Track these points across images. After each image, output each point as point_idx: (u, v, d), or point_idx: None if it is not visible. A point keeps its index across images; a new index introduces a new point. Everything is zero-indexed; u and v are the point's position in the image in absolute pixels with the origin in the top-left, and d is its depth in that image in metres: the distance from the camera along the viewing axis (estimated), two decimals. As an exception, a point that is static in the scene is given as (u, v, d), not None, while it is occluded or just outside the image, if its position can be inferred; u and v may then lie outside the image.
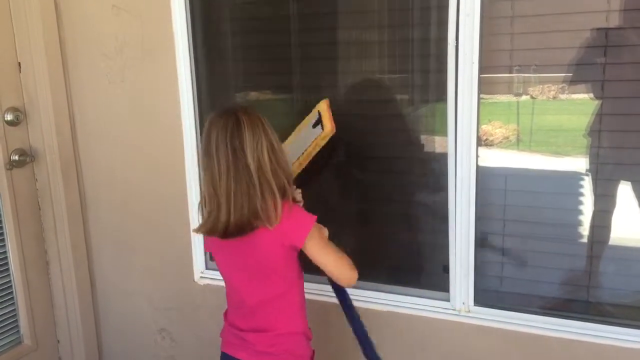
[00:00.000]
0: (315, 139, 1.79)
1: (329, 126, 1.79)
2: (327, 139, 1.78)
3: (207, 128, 1.47)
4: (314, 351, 1.61)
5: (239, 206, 1.41)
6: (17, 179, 2.24)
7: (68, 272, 2.39)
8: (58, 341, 2.49)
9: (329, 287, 1.71)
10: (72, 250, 2.37)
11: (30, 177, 2.30)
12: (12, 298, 2.32)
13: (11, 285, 2.31)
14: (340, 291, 1.64)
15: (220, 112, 1.47)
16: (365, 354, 1.60)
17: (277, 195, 1.42)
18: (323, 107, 1.84)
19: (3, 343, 2.30)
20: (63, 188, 2.31)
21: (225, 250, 1.53)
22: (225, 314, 1.63)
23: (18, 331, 2.35)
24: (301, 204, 1.64)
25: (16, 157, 2.22)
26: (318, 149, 1.79)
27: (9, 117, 2.19)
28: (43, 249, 2.39)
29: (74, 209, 2.37)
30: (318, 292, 1.95)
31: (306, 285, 1.61)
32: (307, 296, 1.62)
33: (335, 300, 1.67)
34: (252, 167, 1.41)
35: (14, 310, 2.33)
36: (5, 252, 2.27)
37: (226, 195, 1.41)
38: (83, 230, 2.42)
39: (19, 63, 2.23)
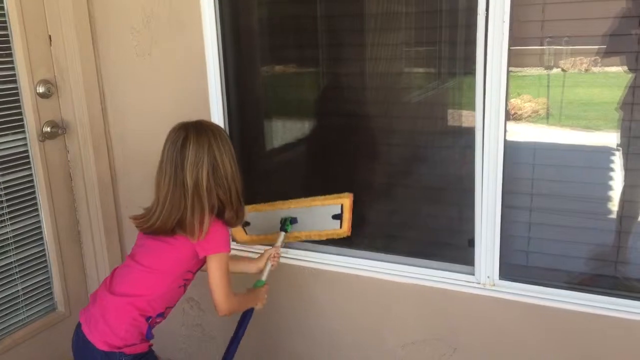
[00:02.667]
0: (330, 231, 2.03)
1: (346, 228, 2.01)
2: (340, 236, 2.03)
3: (165, 140, 1.63)
4: (144, 345, 1.67)
5: (168, 214, 1.58)
6: (49, 151, 2.30)
7: (99, 241, 2.45)
8: (90, 308, 2.56)
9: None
10: (103, 220, 2.43)
11: (62, 148, 2.36)
12: (46, 266, 2.39)
13: (45, 254, 2.38)
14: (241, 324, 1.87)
15: (176, 127, 1.63)
16: None
17: (206, 213, 1.57)
18: (346, 204, 2.00)
19: (38, 309, 2.38)
20: (94, 159, 2.36)
21: (143, 241, 1.69)
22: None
23: (52, 298, 2.43)
24: (274, 268, 1.92)
25: (48, 129, 2.27)
26: (324, 238, 2.06)
27: (40, 89, 2.23)
28: (75, 218, 2.45)
29: (104, 179, 2.42)
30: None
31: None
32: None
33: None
34: (189, 184, 1.56)
35: (48, 278, 2.41)
36: (39, 222, 2.33)
37: (162, 203, 1.59)
38: (113, 201, 2.48)
39: (50, 36, 2.26)
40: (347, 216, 2.00)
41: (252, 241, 2.19)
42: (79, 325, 1.67)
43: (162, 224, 1.59)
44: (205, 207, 1.57)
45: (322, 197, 2.03)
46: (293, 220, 2.04)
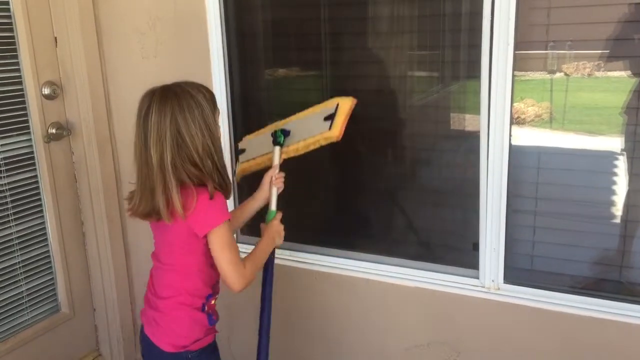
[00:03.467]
0: (318, 135, 1.73)
1: (337, 131, 1.70)
2: (328, 141, 1.72)
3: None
4: (210, 336, 1.61)
5: (142, 198, 1.45)
6: (54, 152, 2.30)
7: (104, 243, 2.46)
8: (94, 309, 2.57)
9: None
10: (107, 222, 2.43)
11: (67, 150, 2.36)
12: (51, 267, 2.40)
13: (49, 255, 2.38)
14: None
15: (144, 94, 1.46)
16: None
17: (175, 193, 1.39)
18: (344, 107, 1.73)
19: (42, 311, 2.38)
20: (98, 161, 2.37)
21: (154, 224, 1.56)
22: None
23: (56, 299, 2.44)
24: (279, 190, 1.70)
25: (53, 130, 2.27)
26: (317, 146, 1.74)
27: (46, 90, 2.24)
28: (80, 220, 2.45)
29: (109, 181, 2.42)
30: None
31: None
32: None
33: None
34: (154, 163, 1.40)
35: (52, 279, 2.41)
36: (43, 223, 2.34)
37: (138, 184, 1.46)
38: (118, 202, 2.48)
39: (55, 38, 2.27)
40: (340, 119, 1.69)
41: (248, 168, 1.91)
42: (142, 327, 1.63)
43: (140, 207, 1.46)
44: (171, 187, 1.39)
45: (322, 103, 1.78)
46: (285, 132, 1.77)
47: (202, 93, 1.46)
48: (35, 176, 2.28)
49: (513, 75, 1.73)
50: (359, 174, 2.12)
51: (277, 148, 1.75)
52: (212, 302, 1.59)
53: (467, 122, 1.92)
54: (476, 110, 1.80)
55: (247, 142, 1.93)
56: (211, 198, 1.44)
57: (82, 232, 2.47)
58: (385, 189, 2.12)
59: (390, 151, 2.07)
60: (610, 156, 1.77)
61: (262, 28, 2.25)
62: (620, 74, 1.71)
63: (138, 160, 1.44)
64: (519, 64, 1.75)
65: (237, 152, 1.96)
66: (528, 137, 1.83)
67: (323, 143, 1.72)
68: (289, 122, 1.81)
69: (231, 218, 1.52)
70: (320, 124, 1.73)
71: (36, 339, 2.33)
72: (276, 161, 1.74)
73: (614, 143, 1.74)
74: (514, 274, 1.87)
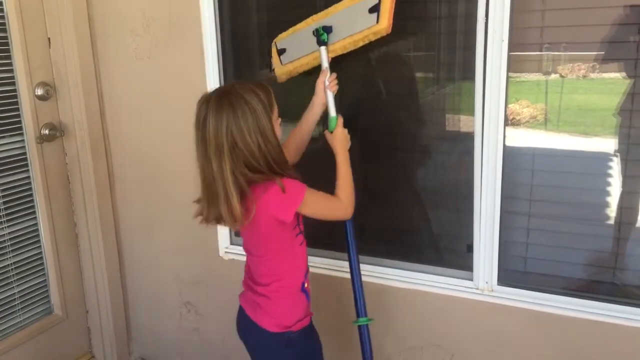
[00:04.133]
0: (365, 31, 1.62)
1: (385, 22, 1.59)
2: (378, 36, 1.63)
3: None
4: (308, 318, 1.66)
5: (208, 205, 1.47)
6: (47, 153, 2.29)
7: (97, 244, 2.45)
8: (87, 311, 2.56)
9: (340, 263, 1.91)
10: (100, 223, 2.42)
11: (60, 151, 2.35)
12: (43, 269, 2.39)
13: (42, 257, 2.38)
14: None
15: (200, 100, 1.46)
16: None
17: (235, 201, 1.40)
18: None
19: (34, 312, 2.38)
20: (92, 162, 2.36)
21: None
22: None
23: (49, 301, 2.43)
24: (334, 92, 1.66)
25: (46, 132, 2.26)
26: (366, 42, 1.65)
27: (39, 91, 2.23)
28: (72, 221, 2.44)
29: (102, 183, 2.42)
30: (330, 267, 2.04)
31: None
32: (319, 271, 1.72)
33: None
34: (215, 171, 1.41)
35: (45, 281, 2.40)
36: (36, 224, 2.33)
37: (202, 191, 1.48)
38: (111, 204, 2.47)
39: (49, 39, 2.26)
40: (386, 7, 1.58)
41: (293, 70, 1.84)
42: (241, 309, 1.67)
43: (212, 214, 1.47)
44: (231, 195, 1.41)
45: None
46: (327, 29, 1.67)
47: (258, 96, 1.44)
48: (28, 177, 2.28)
49: (508, 77, 1.73)
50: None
51: (323, 48, 1.67)
52: (307, 280, 1.64)
53: (462, 123, 1.92)
54: (471, 111, 1.80)
55: (285, 40, 1.82)
56: (283, 191, 1.45)
57: (75, 233, 2.46)
58: (378, 190, 2.11)
59: (384, 152, 2.07)
60: (604, 158, 1.77)
61: (257, 30, 2.24)
62: (615, 76, 1.71)
63: (200, 167, 1.46)
64: (514, 65, 1.75)
65: (278, 52, 1.87)
66: (523, 138, 1.83)
67: (372, 38, 1.64)
68: (327, 17, 1.70)
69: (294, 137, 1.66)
70: (365, 17, 1.63)
71: (29, 341, 2.32)
72: (325, 63, 1.67)
73: (608, 145, 1.74)
74: (508, 275, 1.87)
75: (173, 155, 2.32)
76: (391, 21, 1.61)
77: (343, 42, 1.68)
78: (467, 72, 1.80)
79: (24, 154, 2.25)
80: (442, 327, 1.97)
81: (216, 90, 1.49)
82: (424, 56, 1.98)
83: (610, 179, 1.76)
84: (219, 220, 1.48)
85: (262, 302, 1.60)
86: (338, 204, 1.58)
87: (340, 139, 1.65)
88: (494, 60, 1.71)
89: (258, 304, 1.61)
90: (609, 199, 1.77)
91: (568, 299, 1.78)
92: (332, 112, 1.65)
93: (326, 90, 1.66)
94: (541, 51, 1.75)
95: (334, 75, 1.68)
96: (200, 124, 1.43)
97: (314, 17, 1.76)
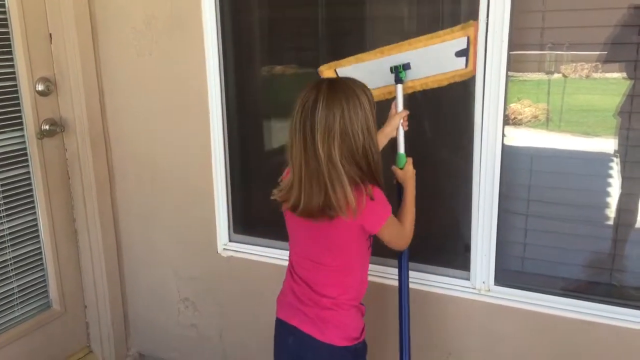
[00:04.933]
0: (452, 72, 1.67)
1: (472, 66, 1.65)
2: (464, 78, 1.69)
3: (297, 99, 1.43)
4: (364, 326, 1.62)
5: (309, 194, 1.40)
6: (47, 149, 2.30)
7: (96, 240, 2.45)
8: (85, 306, 2.56)
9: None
10: (99, 219, 2.43)
11: (60, 146, 2.36)
12: (42, 264, 2.39)
13: (41, 252, 2.38)
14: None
15: (308, 85, 1.42)
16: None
17: (349, 190, 1.38)
18: (472, 34, 1.64)
19: (33, 307, 2.38)
20: (92, 158, 2.36)
21: (297, 223, 1.53)
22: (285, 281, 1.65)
23: (47, 296, 2.43)
24: (406, 129, 1.69)
25: (47, 127, 2.27)
26: (450, 82, 1.70)
27: (40, 87, 2.23)
28: (72, 217, 2.45)
29: (102, 179, 2.42)
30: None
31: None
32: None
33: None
34: (322, 158, 1.36)
35: (44, 275, 2.41)
36: (35, 219, 2.33)
37: (299, 178, 1.41)
38: (110, 200, 2.48)
39: (50, 34, 2.26)
40: (473, 50, 1.63)
41: None
42: (294, 328, 1.56)
43: (307, 203, 1.41)
44: (345, 182, 1.37)
45: (442, 32, 1.67)
46: (406, 66, 1.67)
47: (366, 95, 1.44)
48: (28, 172, 2.28)
49: (507, 76, 1.73)
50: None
51: (400, 87, 1.68)
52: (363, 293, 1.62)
53: (462, 122, 1.91)
54: (471, 110, 1.80)
55: (348, 70, 1.82)
56: (372, 198, 1.44)
57: (74, 228, 2.46)
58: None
59: (382, 150, 2.07)
60: (604, 158, 1.76)
61: (258, 26, 2.24)
62: (617, 76, 1.71)
63: (300, 154, 1.40)
64: (516, 65, 1.75)
65: None
66: (524, 138, 1.83)
67: (458, 80, 1.69)
68: (406, 51, 1.71)
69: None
70: (452, 60, 1.67)
71: (27, 336, 2.33)
72: (401, 102, 1.69)
73: (609, 145, 1.74)
74: (505, 276, 1.87)
75: (173, 151, 2.32)
76: (476, 63, 1.67)
77: (425, 80, 1.71)
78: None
79: (24, 149, 2.25)
80: (439, 326, 1.97)
81: (325, 78, 1.45)
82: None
83: (609, 180, 1.76)
84: (320, 210, 1.41)
85: (328, 315, 1.52)
86: (404, 232, 1.60)
87: (411, 176, 1.67)
88: (494, 59, 1.71)
89: (322, 318, 1.52)
90: (607, 200, 1.76)
91: (565, 300, 1.78)
92: (402, 149, 1.69)
93: (400, 127, 1.70)
94: (544, 50, 1.75)
95: (407, 113, 1.71)
96: (309, 108, 1.38)
97: (384, 49, 1.75)
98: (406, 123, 1.72)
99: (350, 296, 1.54)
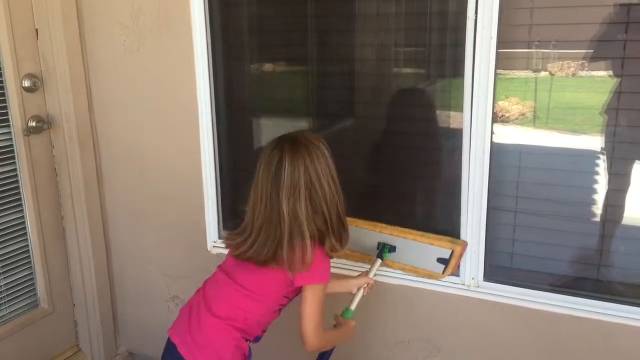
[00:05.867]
0: (427, 271, 1.86)
1: (448, 274, 1.84)
2: (433, 279, 1.87)
3: (260, 156, 1.48)
4: None
5: (261, 247, 1.45)
6: (34, 145, 2.27)
7: (84, 238, 2.43)
8: (74, 305, 2.54)
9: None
10: (87, 216, 2.41)
11: (47, 143, 2.33)
12: (30, 262, 2.37)
13: (28, 250, 2.36)
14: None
15: (271, 144, 1.48)
16: None
17: (308, 245, 1.43)
18: (458, 252, 1.82)
19: (20, 306, 2.36)
20: (79, 155, 2.34)
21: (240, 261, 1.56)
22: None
23: (35, 294, 2.41)
24: (364, 295, 1.75)
25: (33, 124, 2.24)
26: (421, 276, 1.89)
27: (26, 83, 2.21)
28: (60, 214, 2.43)
29: (90, 176, 2.40)
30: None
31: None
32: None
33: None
34: (285, 214, 1.42)
35: (31, 274, 2.38)
36: (22, 217, 2.31)
37: (257, 232, 1.46)
38: (99, 197, 2.46)
39: (37, 30, 2.24)
40: (453, 263, 1.82)
41: (343, 255, 1.94)
42: (173, 346, 1.57)
43: (255, 254, 1.47)
44: (306, 237, 1.43)
45: (434, 235, 1.85)
46: (392, 249, 1.86)
47: (322, 143, 1.49)
48: (15, 169, 2.25)
49: (496, 74, 1.74)
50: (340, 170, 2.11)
51: (379, 261, 1.83)
52: (254, 343, 1.60)
53: (451, 119, 1.92)
54: (460, 108, 1.81)
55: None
56: (327, 255, 1.50)
57: (62, 226, 2.44)
58: (367, 185, 2.12)
59: (372, 147, 2.07)
60: (591, 155, 1.78)
61: (247, 23, 2.23)
62: (604, 74, 1.72)
63: (264, 210, 1.45)
64: (504, 62, 1.76)
65: None
66: (512, 135, 1.84)
67: (427, 278, 1.89)
68: (395, 237, 1.87)
69: None
70: (432, 263, 1.84)
71: (15, 334, 2.31)
72: (373, 272, 1.81)
73: (596, 142, 1.76)
74: (494, 271, 1.88)
75: (162, 148, 2.31)
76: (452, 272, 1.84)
77: (404, 266, 1.90)
78: (456, 69, 1.80)
79: (11, 146, 2.23)
80: (428, 322, 1.98)
81: (287, 136, 1.51)
82: (413, 52, 1.99)
83: (596, 177, 1.78)
84: (264, 261, 1.46)
85: (201, 339, 1.52)
86: (321, 330, 1.53)
87: (347, 330, 1.69)
88: (482, 57, 1.72)
89: (196, 342, 1.52)
90: (594, 196, 1.78)
91: (553, 295, 1.79)
92: (353, 306, 1.75)
93: (361, 289, 1.77)
94: (530, 48, 1.76)
95: (374, 283, 1.80)
96: (274, 166, 1.44)
97: (377, 225, 1.90)
98: (368, 291, 1.78)
99: (238, 325, 1.52)
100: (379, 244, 1.88)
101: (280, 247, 1.44)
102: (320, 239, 1.48)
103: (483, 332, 1.91)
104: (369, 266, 1.85)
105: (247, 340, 1.57)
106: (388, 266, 1.91)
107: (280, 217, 1.43)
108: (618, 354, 1.73)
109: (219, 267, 1.65)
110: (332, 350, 1.72)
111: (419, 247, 1.85)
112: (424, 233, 1.86)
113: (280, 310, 1.60)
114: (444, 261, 1.82)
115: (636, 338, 1.71)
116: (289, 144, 1.46)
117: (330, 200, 1.46)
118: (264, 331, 1.61)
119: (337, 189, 1.48)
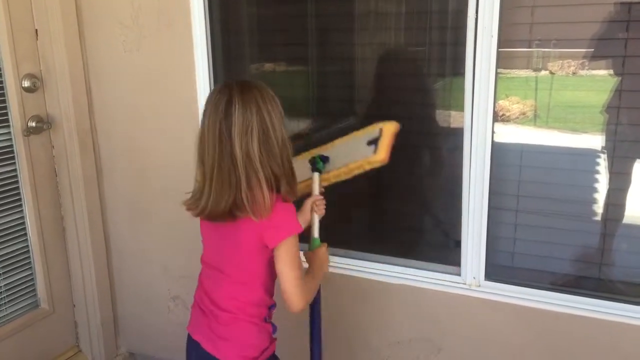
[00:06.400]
0: (362, 160, 1.70)
1: (382, 154, 1.66)
2: (373, 165, 1.68)
3: (205, 103, 1.41)
4: (273, 344, 1.57)
5: (218, 195, 1.37)
6: (34, 146, 2.27)
7: (84, 238, 2.43)
8: (74, 305, 2.54)
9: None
10: (88, 216, 2.40)
11: (47, 143, 2.33)
12: (30, 262, 2.36)
13: (28, 250, 2.35)
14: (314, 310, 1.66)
15: (217, 87, 1.40)
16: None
17: (265, 188, 1.35)
18: (389, 130, 1.69)
19: (20, 306, 2.35)
20: (79, 155, 2.34)
21: (209, 227, 1.51)
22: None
23: (35, 295, 2.41)
24: (321, 216, 1.64)
25: (33, 124, 2.24)
26: (361, 171, 1.70)
27: (26, 83, 2.20)
28: (60, 214, 2.42)
29: (89, 176, 2.40)
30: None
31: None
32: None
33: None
34: (239, 156, 1.34)
35: (31, 274, 2.38)
36: (22, 217, 2.30)
37: (210, 181, 1.38)
38: (99, 197, 2.45)
39: (36, 30, 2.23)
40: (385, 141, 1.66)
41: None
42: (197, 344, 1.53)
43: (214, 205, 1.38)
44: (262, 180, 1.35)
45: (362, 129, 1.73)
46: (324, 158, 1.74)
47: (277, 101, 1.43)
48: (15, 170, 2.25)
49: (497, 73, 1.74)
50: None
51: (316, 174, 1.72)
52: (272, 311, 1.55)
53: (452, 119, 1.92)
54: (460, 107, 1.80)
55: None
56: (284, 201, 1.40)
57: (62, 226, 2.44)
58: (368, 186, 2.12)
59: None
60: (592, 154, 1.78)
61: (248, 22, 2.23)
62: (604, 73, 1.72)
63: (214, 155, 1.37)
64: (504, 61, 1.76)
65: None
66: (513, 134, 1.84)
67: (367, 167, 1.69)
68: (328, 149, 1.77)
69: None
70: (363, 149, 1.70)
71: (15, 335, 2.30)
72: (316, 188, 1.70)
73: (597, 141, 1.76)
74: (495, 271, 1.88)
75: (161, 148, 2.31)
76: (388, 155, 1.66)
77: (338, 170, 1.73)
78: (457, 68, 1.80)
79: (11, 146, 2.22)
80: (430, 321, 1.98)
81: (233, 80, 1.42)
82: (414, 51, 1.99)
83: (597, 176, 1.78)
84: (226, 212, 1.38)
85: (223, 331, 1.49)
86: (300, 280, 1.44)
87: (321, 260, 1.59)
88: (483, 56, 1.72)
89: (218, 334, 1.50)
90: (595, 195, 1.78)
91: (554, 294, 1.79)
92: (316, 234, 1.66)
93: (312, 212, 1.67)
94: (531, 47, 1.76)
95: (323, 200, 1.68)
96: (223, 108, 1.35)
97: (312, 151, 1.79)
98: (322, 207, 1.67)
99: (248, 312, 1.48)
100: (309, 160, 1.75)
101: (239, 191, 1.35)
102: (276, 185, 1.40)
103: (484, 331, 1.91)
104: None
105: (265, 318, 1.52)
106: (331, 179, 1.75)
107: (233, 160, 1.35)
108: (619, 353, 1.73)
109: (202, 260, 1.59)
110: (319, 297, 1.66)
111: (350, 145, 1.74)
112: (357, 131, 1.75)
113: (272, 263, 1.48)
114: (374, 141, 1.68)
115: (637, 336, 1.71)
116: (238, 85, 1.38)
117: (282, 144, 1.39)
118: (272, 295, 1.54)
119: (286, 144, 1.41)
